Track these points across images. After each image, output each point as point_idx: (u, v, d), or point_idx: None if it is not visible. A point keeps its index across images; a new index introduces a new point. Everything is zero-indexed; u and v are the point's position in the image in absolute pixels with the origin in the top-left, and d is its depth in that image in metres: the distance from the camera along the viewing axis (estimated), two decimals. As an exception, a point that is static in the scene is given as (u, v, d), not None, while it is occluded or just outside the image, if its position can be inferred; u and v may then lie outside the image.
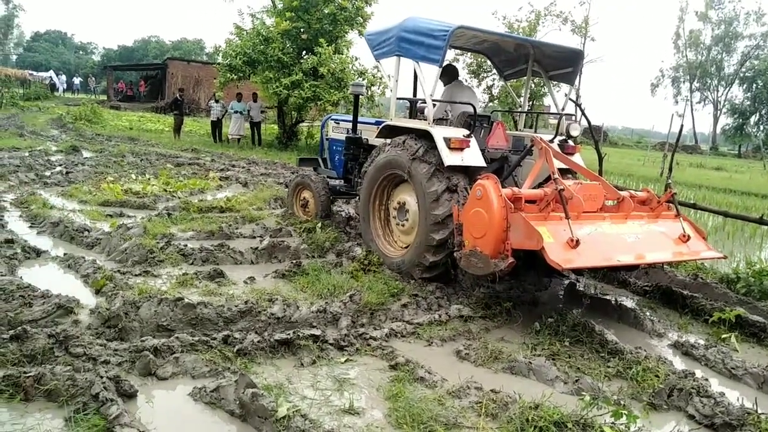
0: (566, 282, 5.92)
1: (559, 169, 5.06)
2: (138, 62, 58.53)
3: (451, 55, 17.03)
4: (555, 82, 6.70)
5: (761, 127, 56.51)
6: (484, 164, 5.40)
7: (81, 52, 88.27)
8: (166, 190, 9.20)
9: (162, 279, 4.99)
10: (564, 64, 6.22)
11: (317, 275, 5.21)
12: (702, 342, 4.53)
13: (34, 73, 51.69)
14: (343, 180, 7.49)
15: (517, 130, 6.71)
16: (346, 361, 3.73)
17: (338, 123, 7.90)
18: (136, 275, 4.96)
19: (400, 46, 5.67)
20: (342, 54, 18.06)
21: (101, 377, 2.97)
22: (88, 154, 13.25)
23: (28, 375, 2.93)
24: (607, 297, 5.42)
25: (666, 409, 3.40)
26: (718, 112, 59.35)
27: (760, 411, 3.20)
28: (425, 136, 5.38)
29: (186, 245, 5.82)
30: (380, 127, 6.10)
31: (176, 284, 4.83)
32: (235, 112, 19.05)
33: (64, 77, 55.24)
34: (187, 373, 3.34)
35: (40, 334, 3.37)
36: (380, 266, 5.58)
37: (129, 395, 3.01)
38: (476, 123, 5.80)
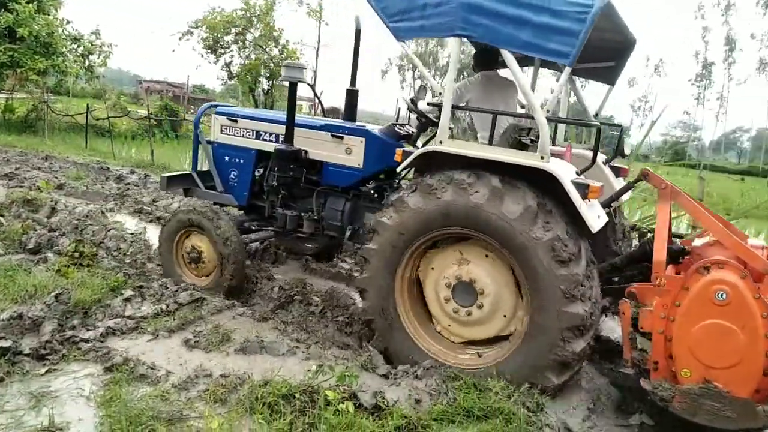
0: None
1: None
2: None
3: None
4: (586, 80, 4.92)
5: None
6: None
7: None
8: None
9: None
10: (606, 55, 4.28)
11: (12, 276, 4.35)
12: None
13: None
14: (246, 210, 5.10)
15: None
16: (47, 372, 3.20)
17: (234, 120, 4.96)
18: None
19: (469, 20, 3.31)
20: (48, 15, 15.52)
21: None
22: None
23: None
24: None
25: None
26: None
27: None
28: (516, 174, 3.32)
29: None
30: (416, 153, 3.59)
31: None
32: None
33: None
34: None
35: None
36: (95, 258, 4.91)
37: None
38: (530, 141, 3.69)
